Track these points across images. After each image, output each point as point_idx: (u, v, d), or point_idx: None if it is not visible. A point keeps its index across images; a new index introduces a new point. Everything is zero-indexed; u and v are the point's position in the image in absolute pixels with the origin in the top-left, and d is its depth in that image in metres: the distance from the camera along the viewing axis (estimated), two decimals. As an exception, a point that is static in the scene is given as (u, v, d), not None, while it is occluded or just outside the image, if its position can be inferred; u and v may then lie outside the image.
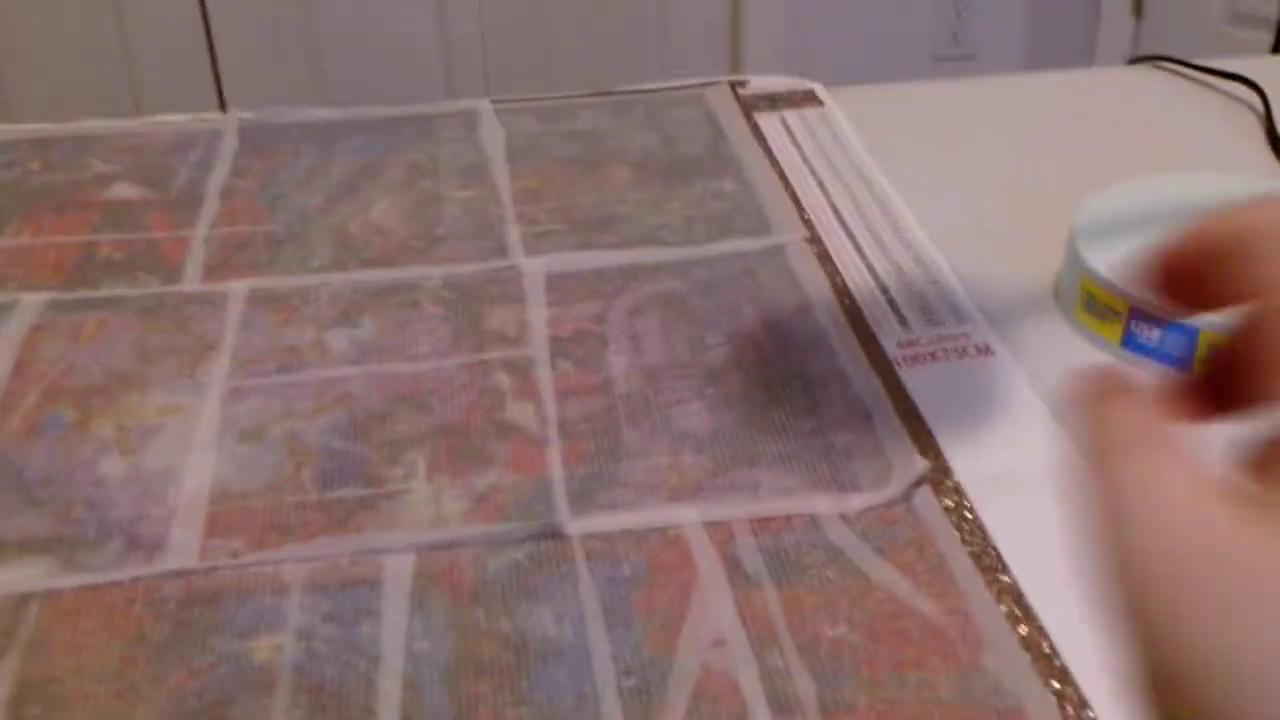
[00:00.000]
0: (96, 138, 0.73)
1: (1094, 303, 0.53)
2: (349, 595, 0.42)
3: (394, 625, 0.41)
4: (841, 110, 0.75)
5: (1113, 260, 0.53)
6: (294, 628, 0.41)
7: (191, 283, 0.59)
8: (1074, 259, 0.54)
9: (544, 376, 0.53)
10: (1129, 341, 0.52)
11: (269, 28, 2.21)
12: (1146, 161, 0.66)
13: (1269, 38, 1.26)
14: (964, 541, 0.44)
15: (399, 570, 0.43)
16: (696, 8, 2.37)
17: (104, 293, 0.58)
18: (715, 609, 0.41)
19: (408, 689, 0.39)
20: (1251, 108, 0.75)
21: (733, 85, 0.78)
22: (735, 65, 2.40)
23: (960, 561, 0.43)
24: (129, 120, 0.75)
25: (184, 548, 0.44)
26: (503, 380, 0.52)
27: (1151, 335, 0.51)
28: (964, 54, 2.54)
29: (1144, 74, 0.81)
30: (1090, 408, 0.24)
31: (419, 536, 0.44)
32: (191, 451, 0.49)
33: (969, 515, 0.45)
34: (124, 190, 0.67)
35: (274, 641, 0.40)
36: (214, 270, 0.60)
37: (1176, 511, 0.21)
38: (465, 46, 2.30)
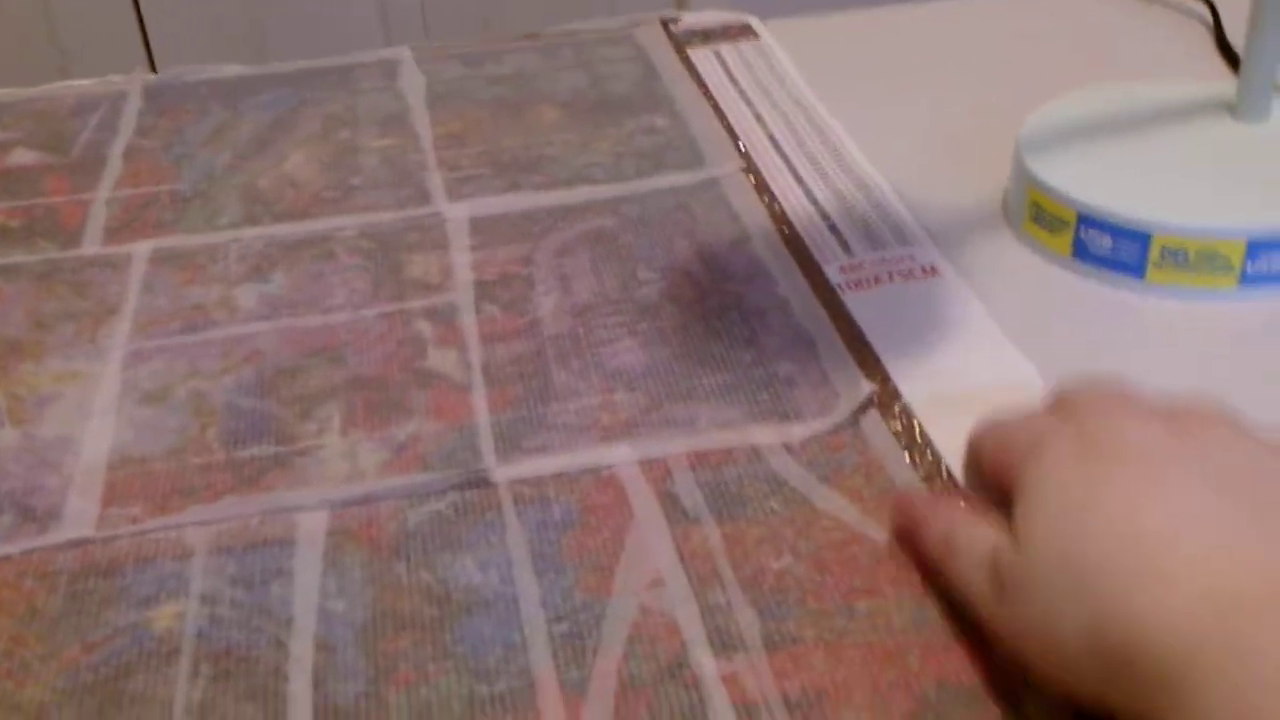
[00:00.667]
0: (-4, 107, 0.69)
1: (1042, 214, 0.50)
2: (258, 556, 0.39)
3: (306, 585, 0.38)
4: (778, 42, 0.72)
5: (1060, 170, 0.50)
6: (198, 593, 0.38)
7: (92, 246, 0.56)
8: (1020, 171, 0.52)
9: (468, 322, 0.50)
10: (1080, 251, 0.49)
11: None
12: (1094, 76, 0.63)
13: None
14: (914, 464, 0.41)
15: (312, 528, 0.40)
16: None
17: (-3, 260, 0.55)
18: (652, 549, 0.38)
19: (320, 650, 0.36)
20: (1200, 19, 0.72)
21: (664, 22, 0.75)
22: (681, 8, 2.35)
23: (911, 483, 0.40)
24: (30, 88, 0.71)
25: (80, 517, 0.41)
26: (424, 328, 0.49)
27: (1103, 243, 0.48)
28: None
29: (1087, -7, 0.78)
30: (918, 520, 0.37)
31: (333, 492, 0.41)
32: (90, 418, 0.46)
33: (919, 437, 0.42)
34: (21, 157, 0.63)
35: (175, 609, 0.37)
36: (116, 233, 0.57)
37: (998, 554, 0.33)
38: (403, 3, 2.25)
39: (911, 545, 0.37)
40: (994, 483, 0.35)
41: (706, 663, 0.34)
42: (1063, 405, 0.35)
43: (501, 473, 0.42)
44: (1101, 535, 0.30)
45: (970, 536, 0.34)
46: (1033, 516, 0.32)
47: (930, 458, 0.41)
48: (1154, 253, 0.47)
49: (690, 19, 0.75)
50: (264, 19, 2.17)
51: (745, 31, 0.74)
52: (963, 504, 0.37)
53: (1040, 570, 0.31)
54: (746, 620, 0.36)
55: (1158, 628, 0.28)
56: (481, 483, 0.42)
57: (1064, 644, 0.30)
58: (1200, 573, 0.28)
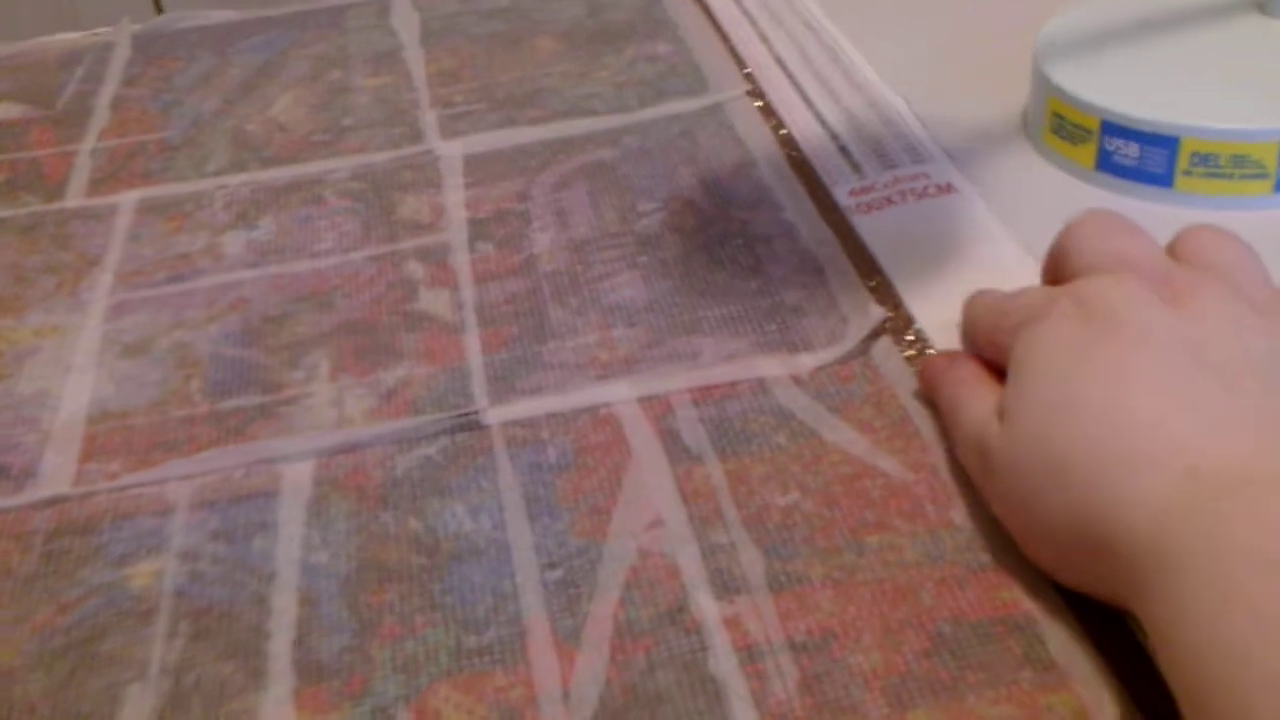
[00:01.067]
0: (-18, 63, 0.67)
1: (1063, 125, 0.47)
2: (240, 510, 0.37)
3: (289, 537, 0.36)
4: (785, -37, 0.69)
5: (1081, 77, 0.47)
6: (177, 550, 0.36)
7: (75, 198, 0.54)
8: (1039, 80, 0.49)
9: (461, 261, 0.47)
10: (1105, 163, 0.46)
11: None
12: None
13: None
14: (929, 391, 0.38)
15: (297, 479, 0.38)
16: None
17: (-21, 216, 0.53)
18: (651, 489, 0.36)
19: (303, 605, 0.34)
20: (1229, -80, 0.69)
21: (666, -52, 0.72)
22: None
23: (923, 412, 0.38)
24: (18, 42, 0.69)
25: (57, 474, 0.39)
26: (415, 269, 0.47)
27: (1129, 152, 0.45)
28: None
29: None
30: (933, 382, 0.37)
31: (319, 441, 0.40)
32: (69, 372, 0.44)
33: (934, 363, 0.40)
34: (6, 111, 0.61)
35: (154, 567, 0.36)
36: (101, 184, 0.55)
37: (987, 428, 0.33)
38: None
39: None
40: (989, 351, 0.35)
41: (708, 606, 0.32)
42: (1061, 266, 0.35)
43: (494, 414, 0.40)
44: (1084, 417, 0.29)
45: (970, 405, 0.34)
46: (1019, 393, 0.31)
47: (946, 384, 0.39)
48: (1182, 159, 0.44)
49: (694, -57, 0.72)
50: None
51: (751, -47, 0.71)
52: (974, 366, 0.36)
53: (1023, 451, 0.30)
54: (750, 560, 0.33)
55: (1136, 510, 0.27)
56: (473, 426, 0.40)
57: (1046, 524, 0.30)
58: (1180, 455, 0.28)
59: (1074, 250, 0.34)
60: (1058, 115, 0.47)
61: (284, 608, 0.34)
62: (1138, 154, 0.45)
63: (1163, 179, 0.45)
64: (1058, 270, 0.35)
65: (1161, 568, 0.26)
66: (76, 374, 0.44)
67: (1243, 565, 0.25)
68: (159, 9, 2.04)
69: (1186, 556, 0.26)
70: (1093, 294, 0.32)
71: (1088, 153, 0.47)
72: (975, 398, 0.34)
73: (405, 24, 0.66)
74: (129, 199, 0.53)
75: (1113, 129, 0.45)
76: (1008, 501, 0.31)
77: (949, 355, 0.38)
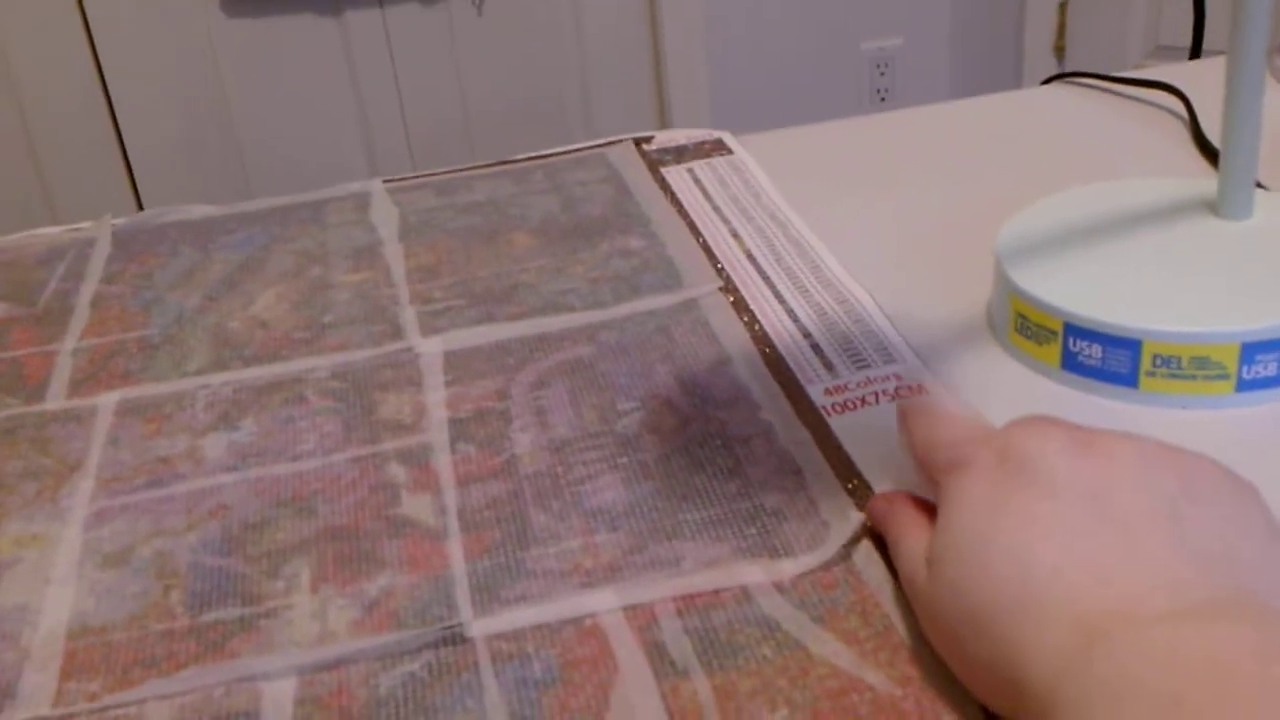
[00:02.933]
0: (-37, 258, 0.68)
1: (1028, 325, 0.49)
2: (222, 732, 0.37)
3: (272, 762, 0.36)
4: (752, 157, 0.72)
5: (1043, 279, 0.49)
6: (157, 777, 0.36)
7: (56, 400, 0.54)
8: (1002, 281, 0.50)
9: (442, 463, 0.48)
10: (1069, 363, 0.47)
11: (184, 136, 2.17)
12: (1071, 177, 0.62)
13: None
14: (911, 599, 0.39)
15: (279, 698, 0.38)
16: (620, 91, 2.36)
17: (-42, 420, 0.53)
18: (639, 706, 0.36)
19: (287, 837, 0.33)
20: (1174, 114, 0.72)
21: (637, 142, 0.74)
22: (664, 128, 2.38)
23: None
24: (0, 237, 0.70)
25: (37, 694, 0.39)
26: (397, 472, 0.48)
27: (1093, 353, 0.47)
28: (890, 111, 2.55)
29: (1060, 91, 0.78)
30: (880, 519, 0.41)
31: (301, 657, 0.39)
32: (49, 585, 0.44)
33: (915, 569, 0.40)
34: (-13, 309, 0.62)
35: (133, 796, 0.35)
36: (81, 385, 0.55)
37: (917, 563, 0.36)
38: (389, 138, 2.27)
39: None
40: (920, 469, 0.39)
41: (700, 833, 0.32)
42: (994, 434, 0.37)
43: (478, 626, 0.40)
44: (995, 569, 0.32)
45: (905, 544, 0.38)
46: (943, 545, 0.34)
47: (927, 591, 0.39)
48: (1146, 361, 0.45)
49: (662, 137, 0.75)
50: (248, 164, 2.20)
51: (718, 147, 0.73)
52: (909, 509, 0.39)
53: (946, 600, 0.34)
54: (741, 783, 0.33)
55: (1038, 659, 0.30)
56: (457, 639, 0.39)
57: (971, 664, 0.33)
58: (1073, 605, 0.30)
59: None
60: (1021, 315, 0.49)
61: (267, 840, 0.33)
62: (1101, 355, 0.46)
63: (1127, 379, 0.46)
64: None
65: (1066, 713, 0.28)
66: (57, 586, 0.43)
67: (1134, 704, 0.26)
68: (139, 205, 2.07)
69: (1084, 704, 0.28)
70: (1013, 443, 0.35)
71: (1053, 352, 0.48)
72: (910, 538, 0.38)
73: (384, 219, 0.68)
74: (108, 400, 0.54)
75: (1076, 330, 0.47)
76: (938, 642, 0.35)
77: (888, 497, 0.41)
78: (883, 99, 2.48)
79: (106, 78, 2.09)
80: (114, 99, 2.11)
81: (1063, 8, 2.37)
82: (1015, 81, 2.44)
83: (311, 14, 2.13)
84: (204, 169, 2.20)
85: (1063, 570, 0.31)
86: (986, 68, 2.48)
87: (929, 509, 0.39)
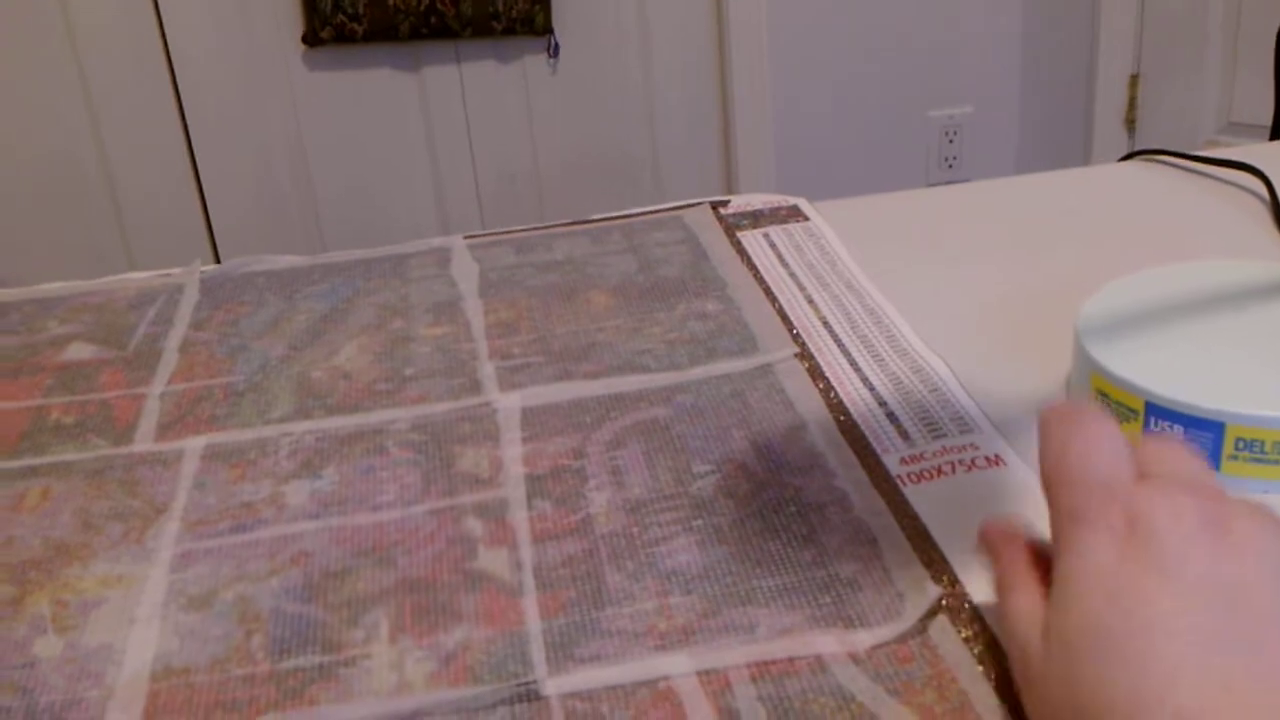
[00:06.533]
0: (57, 299, 0.70)
1: (1108, 403, 0.49)
2: (300, 779, 0.37)
3: (349, 811, 0.36)
4: (828, 224, 0.72)
5: (1125, 357, 0.49)
6: (236, 821, 0.36)
7: (144, 442, 0.56)
8: (1083, 358, 0.50)
9: (519, 519, 0.48)
10: (1151, 442, 0.47)
11: (261, 185, 2.22)
12: (1149, 255, 0.62)
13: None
14: (988, 675, 0.39)
15: (357, 746, 0.38)
16: (688, 149, 2.38)
17: (50, 459, 0.55)
18: (712, 771, 0.36)
19: None
20: (1254, 194, 0.72)
21: (714, 205, 0.75)
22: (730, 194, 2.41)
23: (985, 698, 0.38)
24: (91, 281, 0.72)
25: (119, 734, 0.40)
26: (474, 526, 0.48)
27: (1173, 434, 0.46)
28: (958, 179, 2.55)
29: (1138, 169, 0.78)
30: (991, 553, 0.40)
31: (380, 707, 0.40)
32: (134, 625, 0.45)
33: (992, 645, 0.40)
34: (80, 351, 0.64)
35: (213, 839, 0.36)
36: (168, 428, 0.57)
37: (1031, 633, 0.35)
38: (459, 189, 2.31)
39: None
40: (1042, 487, 0.37)
41: None
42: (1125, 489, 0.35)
43: (553, 685, 0.40)
44: (1108, 667, 0.31)
45: (1017, 595, 0.37)
46: (1060, 616, 0.34)
47: (1006, 667, 0.39)
48: (1228, 444, 0.45)
49: (739, 201, 0.76)
50: (321, 212, 2.24)
51: (794, 214, 0.74)
52: (1024, 555, 0.38)
53: (1056, 692, 0.33)
54: None
55: None
56: (532, 696, 0.40)
57: None
58: (1183, 714, 0.29)
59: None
60: (1102, 393, 0.49)
61: None
62: (1183, 436, 0.46)
63: (1209, 461, 0.46)
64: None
65: None
66: (141, 626, 0.44)
67: None
68: (215, 252, 2.12)
69: None
70: (1142, 512, 0.33)
71: (1134, 429, 0.48)
72: (1023, 596, 0.36)
73: (465, 274, 0.69)
74: (194, 445, 0.55)
75: (1157, 410, 0.47)
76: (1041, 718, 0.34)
77: (1003, 531, 0.40)
78: (950, 166, 2.48)
79: (189, 125, 2.15)
80: (195, 147, 2.16)
81: (1134, 80, 2.36)
82: (1084, 150, 2.43)
83: (390, 68, 2.18)
84: (279, 217, 2.24)
85: (1179, 680, 0.30)
86: (1055, 136, 2.48)
87: (1043, 559, 0.37)
